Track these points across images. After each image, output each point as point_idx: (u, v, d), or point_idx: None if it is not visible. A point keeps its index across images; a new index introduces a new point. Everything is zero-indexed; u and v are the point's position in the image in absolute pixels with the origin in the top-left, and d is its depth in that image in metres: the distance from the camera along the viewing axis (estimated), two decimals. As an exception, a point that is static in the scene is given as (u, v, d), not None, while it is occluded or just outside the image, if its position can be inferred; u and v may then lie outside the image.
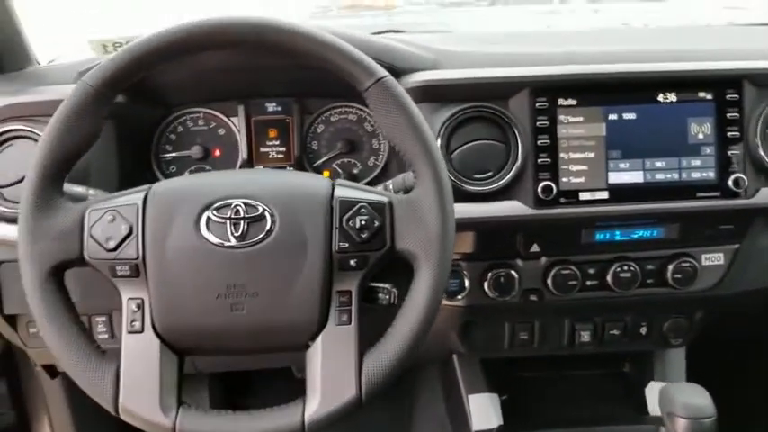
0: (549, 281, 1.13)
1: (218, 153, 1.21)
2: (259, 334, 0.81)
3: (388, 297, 0.86)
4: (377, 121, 0.83)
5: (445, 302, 1.14)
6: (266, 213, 0.81)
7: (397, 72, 1.06)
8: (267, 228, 0.80)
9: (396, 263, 0.83)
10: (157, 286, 0.80)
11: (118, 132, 1.11)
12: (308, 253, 0.80)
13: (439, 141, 1.04)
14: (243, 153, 1.19)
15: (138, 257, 0.80)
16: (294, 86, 1.17)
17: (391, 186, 0.95)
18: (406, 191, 0.89)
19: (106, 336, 1.10)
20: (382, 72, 0.82)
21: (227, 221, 0.80)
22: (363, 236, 0.81)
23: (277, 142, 1.21)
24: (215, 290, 0.79)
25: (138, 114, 1.15)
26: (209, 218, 0.80)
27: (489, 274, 1.13)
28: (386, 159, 1.22)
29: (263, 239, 0.80)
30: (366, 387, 0.79)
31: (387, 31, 1.27)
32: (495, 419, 1.31)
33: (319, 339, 0.81)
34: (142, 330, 0.81)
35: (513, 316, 1.21)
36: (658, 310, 1.22)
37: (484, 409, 1.33)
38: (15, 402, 1.43)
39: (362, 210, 0.81)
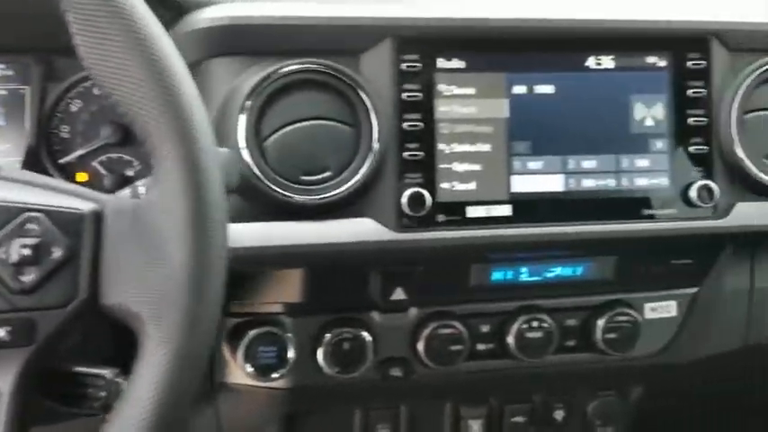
0: (421, 345, 0.88)
1: None
2: None
3: (105, 395, 0.59)
4: (85, 57, 0.54)
5: (257, 384, 0.88)
6: None
7: (179, 5, 0.83)
8: None
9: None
10: None
11: None
12: None
13: (244, 120, 0.78)
14: None
15: None
16: (37, 38, 0.90)
17: (142, 189, 0.68)
18: None
19: None
20: None
21: None
22: (24, 279, 0.55)
23: (2, 123, 0.93)
24: None
25: None
26: None
27: (327, 335, 0.86)
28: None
29: None
30: None
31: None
32: None
33: None
34: None
35: (366, 400, 0.96)
36: (580, 386, 1.02)
37: None
38: None
39: (29, 225, 0.55)
